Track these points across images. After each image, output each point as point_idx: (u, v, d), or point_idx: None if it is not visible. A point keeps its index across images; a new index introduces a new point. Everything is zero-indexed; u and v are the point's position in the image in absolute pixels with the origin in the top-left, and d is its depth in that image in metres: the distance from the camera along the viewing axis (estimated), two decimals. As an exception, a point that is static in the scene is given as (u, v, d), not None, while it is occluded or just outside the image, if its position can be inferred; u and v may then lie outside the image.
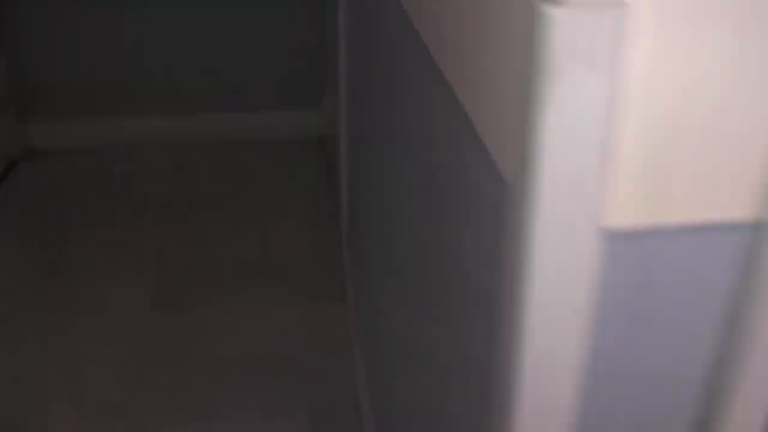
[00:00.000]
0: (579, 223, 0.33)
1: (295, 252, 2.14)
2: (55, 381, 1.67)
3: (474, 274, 0.44)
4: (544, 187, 0.32)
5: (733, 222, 0.34)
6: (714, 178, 0.33)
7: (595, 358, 0.36)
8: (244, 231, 2.23)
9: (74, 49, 2.52)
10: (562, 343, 0.35)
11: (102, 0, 2.44)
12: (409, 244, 0.73)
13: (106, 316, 1.87)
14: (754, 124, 0.32)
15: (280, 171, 2.58)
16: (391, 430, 1.07)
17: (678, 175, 0.33)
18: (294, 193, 2.44)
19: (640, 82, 0.31)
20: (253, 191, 2.45)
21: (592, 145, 0.31)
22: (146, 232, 2.22)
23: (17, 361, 1.72)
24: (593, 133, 0.31)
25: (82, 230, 2.22)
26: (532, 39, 0.30)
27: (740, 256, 0.35)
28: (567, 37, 0.28)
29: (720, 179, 0.33)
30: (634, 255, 0.34)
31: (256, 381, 1.67)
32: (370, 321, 1.38)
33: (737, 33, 0.30)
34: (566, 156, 0.31)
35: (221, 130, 2.74)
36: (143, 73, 2.59)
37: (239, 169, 2.58)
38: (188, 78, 2.62)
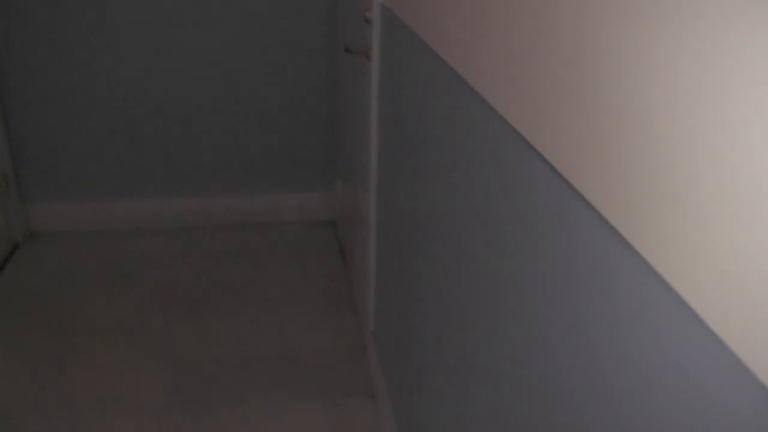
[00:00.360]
0: None
1: (314, 343, 2.05)
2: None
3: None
4: None
5: None
6: None
7: None
8: (260, 320, 2.14)
9: (78, 129, 2.47)
10: None
11: (108, 83, 2.41)
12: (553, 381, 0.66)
13: (116, 416, 1.74)
14: None
15: (292, 254, 2.50)
16: None
17: None
18: (307, 278, 2.36)
19: None
20: (266, 276, 2.37)
21: None
22: (156, 320, 2.12)
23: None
24: None
25: (88, 319, 2.11)
26: None
27: None
28: None
29: None
30: None
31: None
32: (421, 422, 1.29)
33: None
34: None
35: (230, 213, 2.67)
36: (150, 155, 2.54)
37: (250, 253, 2.51)
38: (196, 159, 2.58)
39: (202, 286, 2.30)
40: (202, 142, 2.55)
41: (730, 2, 0.33)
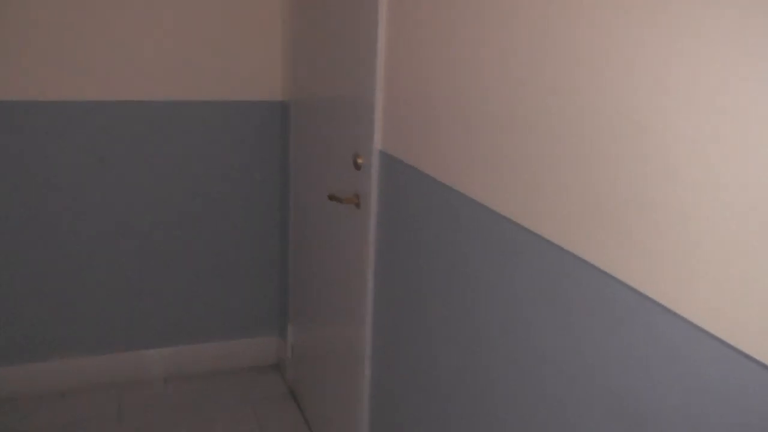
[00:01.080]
0: None
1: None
2: None
3: None
4: None
5: None
6: None
7: None
8: (230, 476, 2.00)
9: None
10: None
11: (30, 238, 2.27)
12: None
13: None
14: None
15: (242, 404, 2.39)
16: None
17: None
18: (262, 430, 2.26)
19: None
20: None
21: None
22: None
23: None
24: None
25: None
26: None
27: None
28: None
29: None
30: None
31: None
32: None
33: None
34: None
35: (169, 364, 2.52)
36: (79, 309, 2.37)
37: (196, 406, 2.36)
38: (131, 311, 2.44)
39: (154, 448, 2.12)
40: (137, 293, 2.44)
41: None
